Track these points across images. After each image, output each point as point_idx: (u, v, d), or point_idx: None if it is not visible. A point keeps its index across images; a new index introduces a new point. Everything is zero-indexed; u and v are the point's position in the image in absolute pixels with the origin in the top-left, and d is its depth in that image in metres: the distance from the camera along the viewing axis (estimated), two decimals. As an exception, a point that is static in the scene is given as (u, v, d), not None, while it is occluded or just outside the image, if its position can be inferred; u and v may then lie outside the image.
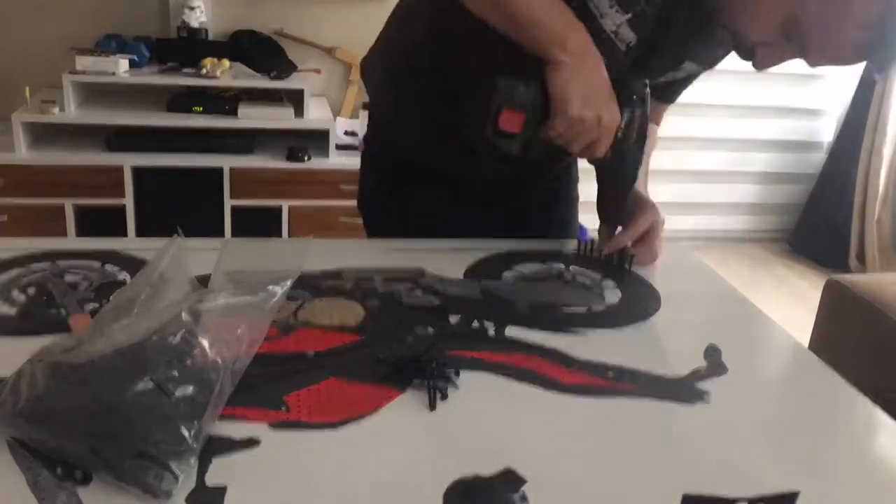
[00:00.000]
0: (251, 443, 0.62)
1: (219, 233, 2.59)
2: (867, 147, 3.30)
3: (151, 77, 2.56)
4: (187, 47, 2.68)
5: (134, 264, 0.90)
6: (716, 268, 1.07)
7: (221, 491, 0.56)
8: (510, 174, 1.13)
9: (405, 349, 0.77)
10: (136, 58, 2.57)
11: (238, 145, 2.61)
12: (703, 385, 0.76)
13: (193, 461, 0.58)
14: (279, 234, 2.64)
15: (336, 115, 2.87)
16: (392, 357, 0.74)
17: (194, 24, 2.69)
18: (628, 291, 0.96)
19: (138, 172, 2.52)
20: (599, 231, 1.05)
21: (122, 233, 2.53)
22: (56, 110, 2.45)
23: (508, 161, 0.93)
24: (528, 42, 0.88)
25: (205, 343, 0.63)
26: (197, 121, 2.59)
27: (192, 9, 2.67)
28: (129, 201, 2.52)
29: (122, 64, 2.51)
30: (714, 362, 0.80)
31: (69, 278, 0.87)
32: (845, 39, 0.80)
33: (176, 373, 0.60)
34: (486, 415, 0.68)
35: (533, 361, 0.77)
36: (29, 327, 0.76)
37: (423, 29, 1.04)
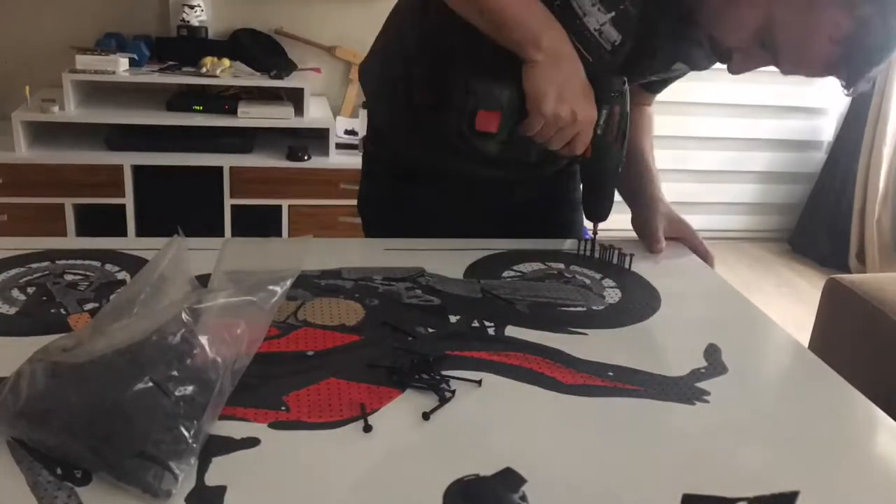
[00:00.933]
0: (251, 443, 0.62)
1: (219, 232, 2.59)
2: (867, 146, 3.30)
3: (151, 76, 2.56)
4: (187, 46, 2.68)
5: (134, 264, 0.90)
6: (716, 268, 1.07)
7: (221, 490, 0.56)
8: (504, 176, 1.13)
9: (402, 350, 0.77)
10: (136, 56, 2.57)
11: (238, 144, 2.61)
12: (703, 385, 0.76)
13: (193, 461, 0.58)
14: (279, 234, 2.64)
15: (336, 114, 2.87)
16: (383, 362, 0.74)
17: (194, 22, 2.69)
18: (628, 291, 0.96)
19: (138, 171, 2.52)
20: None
21: (122, 232, 2.53)
22: (56, 109, 2.45)
23: (491, 161, 0.94)
24: (506, 41, 0.89)
25: (205, 343, 0.63)
26: (197, 119, 2.59)
27: (192, 7, 2.67)
28: (128, 200, 2.52)
29: (122, 63, 2.51)
30: (714, 362, 0.80)
31: (69, 278, 0.87)
32: (816, 52, 0.83)
33: (176, 372, 0.60)
34: (486, 415, 0.68)
35: (533, 361, 0.77)
36: (29, 327, 0.76)
37: (413, 35, 1.05)
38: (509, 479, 0.60)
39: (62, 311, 0.80)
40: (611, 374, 0.76)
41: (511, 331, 0.83)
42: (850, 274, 2.87)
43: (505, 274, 0.98)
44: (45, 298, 0.82)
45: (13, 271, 0.87)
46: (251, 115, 2.61)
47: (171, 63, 2.65)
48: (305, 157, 2.61)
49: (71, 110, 2.49)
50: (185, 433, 0.58)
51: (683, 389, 0.75)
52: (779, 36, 0.83)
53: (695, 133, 3.43)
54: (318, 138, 2.65)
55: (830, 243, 3.47)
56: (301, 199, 2.63)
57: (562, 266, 1.02)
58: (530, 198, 1.20)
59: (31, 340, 0.69)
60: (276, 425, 0.64)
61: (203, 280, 0.82)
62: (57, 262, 0.90)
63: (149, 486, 0.55)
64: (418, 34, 1.04)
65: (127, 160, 2.49)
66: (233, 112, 2.61)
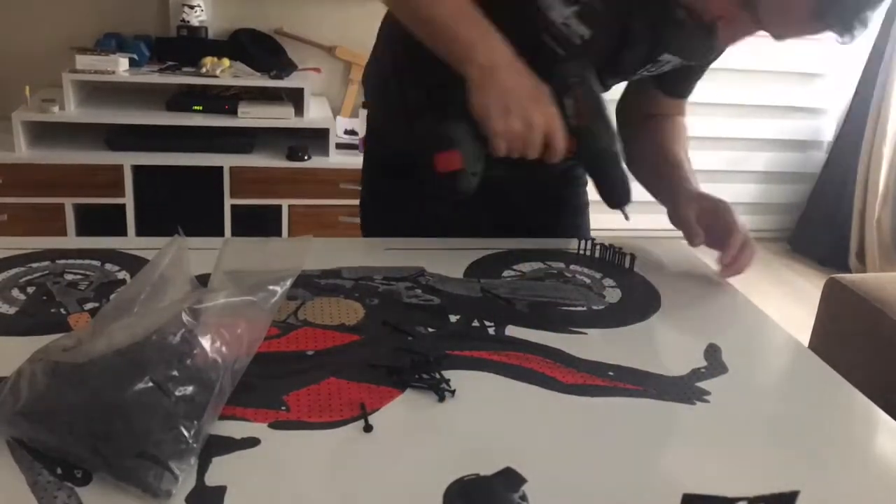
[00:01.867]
0: (251, 443, 0.62)
1: (219, 232, 2.59)
2: (867, 146, 3.30)
3: (151, 76, 2.56)
4: (187, 46, 2.68)
5: (134, 264, 0.90)
6: (716, 267, 1.07)
7: (221, 490, 0.56)
8: (506, 175, 1.13)
9: (402, 350, 0.77)
10: (136, 56, 2.57)
11: (238, 144, 2.61)
12: (703, 385, 0.76)
13: (193, 461, 0.58)
14: (279, 234, 2.64)
15: (336, 114, 2.87)
16: (383, 362, 0.74)
17: (194, 22, 2.69)
18: (628, 291, 0.96)
19: (138, 171, 2.52)
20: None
21: (122, 232, 2.53)
22: (56, 109, 2.45)
23: (464, 195, 0.91)
24: (444, 57, 0.87)
25: (205, 343, 0.63)
26: (197, 120, 2.59)
27: (192, 7, 2.67)
28: (128, 200, 2.52)
29: (122, 63, 2.51)
30: (714, 362, 0.80)
31: (69, 278, 0.87)
32: (798, 6, 0.78)
33: (176, 372, 0.60)
34: (486, 415, 0.68)
35: (533, 361, 0.77)
36: (29, 327, 0.76)
37: (401, 37, 1.04)
38: (509, 479, 0.60)
39: (62, 310, 0.80)
40: (611, 374, 0.76)
41: (511, 331, 0.83)
42: (850, 274, 2.86)
43: (505, 274, 0.98)
44: (45, 298, 0.82)
45: (13, 271, 0.87)
46: (251, 115, 2.61)
47: (171, 63, 2.65)
48: (305, 157, 2.61)
49: (71, 110, 2.49)
50: (185, 433, 0.58)
51: (683, 389, 0.75)
52: None
53: (695, 133, 3.40)
54: (318, 138, 2.65)
55: (830, 243, 3.47)
56: (301, 199, 2.63)
57: (562, 266, 1.02)
58: (532, 203, 1.19)
59: (31, 340, 0.69)
60: (276, 425, 0.64)
61: (203, 280, 0.82)
62: (57, 261, 0.90)
63: (149, 486, 0.55)
64: (405, 37, 1.03)
65: (127, 160, 2.49)
66: (233, 112, 2.61)
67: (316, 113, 2.71)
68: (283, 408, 0.66)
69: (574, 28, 0.91)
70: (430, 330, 0.81)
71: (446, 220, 1.13)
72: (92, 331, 0.65)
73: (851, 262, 3.39)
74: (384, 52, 1.13)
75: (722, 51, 1.02)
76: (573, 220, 1.24)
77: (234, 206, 2.60)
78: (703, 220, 1.02)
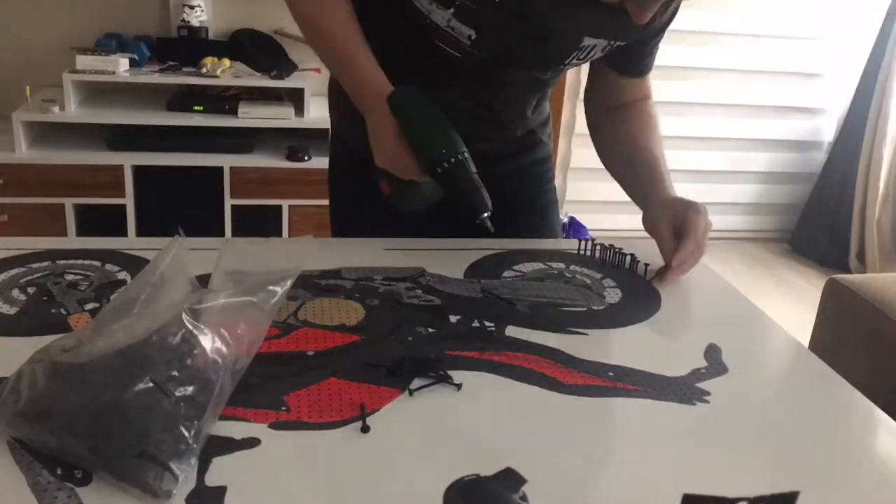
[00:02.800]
0: (251, 443, 0.62)
1: (219, 232, 2.59)
2: (867, 147, 3.30)
3: (151, 76, 2.56)
4: (187, 46, 2.68)
5: (134, 264, 0.90)
6: (716, 268, 1.07)
7: (221, 491, 0.56)
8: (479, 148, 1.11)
9: (402, 350, 0.77)
10: (136, 57, 2.57)
11: (238, 144, 2.61)
12: (703, 385, 0.76)
13: (193, 461, 0.58)
14: (279, 234, 2.64)
15: (336, 115, 2.87)
16: (383, 362, 0.74)
17: (194, 23, 2.69)
18: (628, 291, 0.96)
19: (138, 171, 2.52)
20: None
21: (122, 232, 2.53)
22: (56, 109, 2.45)
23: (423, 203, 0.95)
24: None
25: (205, 343, 0.63)
26: (197, 120, 2.59)
27: (192, 8, 2.67)
28: (129, 200, 2.52)
29: (123, 63, 2.51)
30: (714, 362, 0.80)
31: (69, 278, 0.87)
32: None
33: (176, 373, 0.60)
34: (486, 415, 0.68)
35: (533, 361, 0.77)
36: (29, 327, 0.76)
37: None
38: (509, 479, 0.60)
39: (62, 311, 0.80)
40: (611, 374, 0.76)
41: (511, 331, 0.83)
42: (850, 274, 2.87)
43: (505, 274, 0.98)
44: (45, 298, 0.82)
45: (13, 271, 0.87)
46: (251, 116, 2.61)
47: (171, 63, 2.65)
48: (306, 158, 2.61)
49: (71, 110, 2.49)
50: (186, 433, 0.58)
51: (683, 389, 0.75)
52: None
53: (695, 133, 3.42)
54: (318, 138, 2.65)
55: (830, 243, 3.47)
56: (301, 199, 2.63)
57: (562, 266, 1.02)
58: (511, 184, 1.15)
59: (31, 340, 0.69)
60: (276, 425, 0.64)
61: (203, 280, 0.82)
62: (57, 262, 0.90)
63: (149, 487, 0.55)
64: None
65: (127, 160, 2.49)
66: (233, 112, 2.61)
67: (316, 113, 2.71)
68: (284, 408, 0.66)
69: (459, 29, 0.93)
70: (431, 330, 0.81)
71: (406, 219, 1.11)
72: (92, 331, 0.65)
73: (851, 263, 3.39)
74: None
75: (654, 21, 0.97)
76: (537, 218, 1.21)
77: (234, 207, 2.60)
78: (675, 224, 0.98)
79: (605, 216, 2.98)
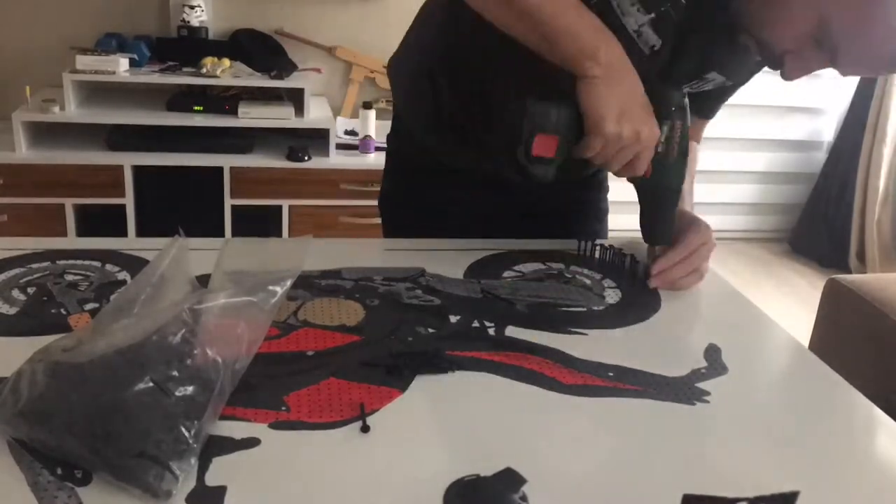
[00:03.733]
0: (251, 443, 0.62)
1: (219, 232, 2.59)
2: (867, 147, 3.30)
3: (151, 76, 2.56)
4: (187, 46, 2.68)
5: (134, 264, 0.90)
6: (716, 268, 1.07)
7: (221, 491, 0.56)
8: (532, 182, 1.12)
9: (402, 349, 0.77)
10: (136, 57, 2.57)
11: (238, 145, 2.61)
12: (703, 385, 0.76)
13: (193, 461, 0.58)
14: (279, 234, 2.64)
15: (336, 115, 2.87)
16: (380, 360, 0.74)
17: (194, 23, 2.69)
18: (628, 291, 0.96)
19: (138, 171, 2.52)
20: (648, 253, 0.99)
21: (122, 232, 2.53)
22: (56, 109, 2.45)
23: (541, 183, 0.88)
24: (556, 55, 0.83)
25: (205, 343, 0.63)
26: (197, 120, 2.59)
27: (192, 8, 2.67)
28: (129, 200, 2.52)
29: (123, 63, 2.51)
30: (714, 362, 0.80)
31: (69, 278, 0.87)
32: (879, 47, 0.76)
33: (176, 373, 0.60)
34: (486, 415, 0.68)
35: (533, 361, 0.77)
36: (29, 327, 0.76)
37: (442, 36, 1.02)
38: (509, 479, 0.60)
39: (62, 311, 0.80)
40: (611, 374, 0.76)
41: (511, 331, 0.83)
42: (850, 274, 2.87)
43: (505, 274, 0.98)
44: (45, 298, 0.82)
45: (13, 271, 0.87)
46: (251, 116, 2.61)
47: (171, 63, 2.65)
48: (306, 158, 2.61)
49: (71, 110, 2.49)
50: (186, 433, 0.58)
51: (683, 389, 0.75)
52: (836, 32, 0.77)
53: (695, 133, 3.42)
54: (318, 138, 2.65)
55: (830, 243, 3.47)
56: (301, 199, 2.63)
57: (562, 266, 1.02)
58: (557, 205, 1.16)
59: (31, 340, 0.69)
60: (276, 425, 0.64)
61: (203, 280, 0.82)
62: (57, 262, 0.90)
63: (149, 487, 0.55)
64: (448, 36, 1.01)
65: (127, 160, 2.49)
66: (233, 112, 2.61)
67: (316, 113, 2.71)
68: (284, 408, 0.66)
69: (646, 37, 0.88)
70: (431, 330, 0.81)
71: (465, 220, 1.11)
72: (92, 331, 0.65)
73: (851, 263, 3.39)
74: (417, 53, 1.10)
75: (756, 71, 0.99)
76: (597, 224, 1.22)
77: (234, 207, 2.60)
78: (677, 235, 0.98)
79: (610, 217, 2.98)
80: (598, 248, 1.06)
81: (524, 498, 0.58)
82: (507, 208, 1.16)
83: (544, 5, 0.82)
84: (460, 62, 1.01)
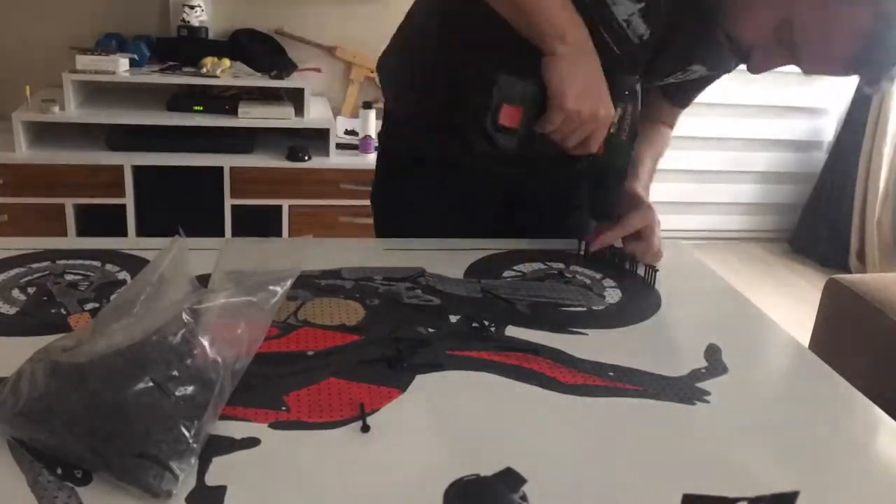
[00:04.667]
0: (251, 443, 0.62)
1: (219, 232, 2.58)
2: (867, 147, 3.30)
3: (151, 76, 2.56)
4: (187, 46, 2.68)
5: (134, 264, 0.90)
6: (716, 268, 1.07)
7: (221, 491, 0.56)
8: (518, 175, 1.13)
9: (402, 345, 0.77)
10: (136, 57, 2.57)
11: (238, 145, 2.61)
12: (703, 385, 0.76)
13: (193, 461, 0.58)
14: (279, 234, 2.64)
15: (336, 115, 2.87)
16: (377, 358, 0.74)
17: (194, 22, 2.69)
18: (628, 291, 0.96)
19: (138, 171, 2.52)
20: (595, 230, 1.04)
21: (122, 232, 2.53)
22: (56, 109, 2.44)
23: (508, 159, 0.92)
24: (529, 31, 0.88)
25: (205, 343, 0.63)
26: (197, 120, 2.59)
27: (192, 8, 2.67)
28: (129, 200, 2.52)
29: (123, 63, 2.50)
30: (714, 362, 0.80)
31: (69, 278, 0.87)
32: (836, 50, 0.81)
33: (176, 373, 0.60)
34: (487, 415, 0.68)
35: (533, 361, 0.77)
36: (29, 327, 0.76)
37: (433, 20, 1.04)
38: (509, 479, 0.60)
39: (62, 311, 0.80)
40: (611, 374, 0.76)
41: (511, 330, 0.83)
42: (851, 274, 2.87)
43: (505, 274, 0.98)
44: (45, 298, 0.82)
45: (13, 271, 0.87)
46: (251, 116, 2.61)
47: (171, 63, 2.65)
48: (306, 158, 2.60)
49: (71, 110, 2.48)
50: (186, 433, 0.58)
51: (683, 389, 0.75)
52: (798, 33, 0.82)
53: (695, 133, 3.42)
54: (318, 138, 2.65)
55: (830, 243, 3.47)
56: (301, 199, 2.63)
57: (562, 266, 1.02)
58: (542, 200, 1.19)
59: (31, 340, 0.69)
60: (276, 425, 0.64)
61: (203, 280, 0.82)
62: (57, 262, 0.90)
63: (149, 486, 0.55)
64: (437, 23, 1.04)
65: (127, 160, 2.49)
66: (233, 112, 2.61)
67: (316, 113, 2.71)
68: (283, 408, 0.66)
69: (635, 26, 0.92)
70: (431, 330, 0.81)
71: (460, 220, 1.12)
72: (92, 331, 0.65)
73: (851, 262, 3.39)
74: (410, 40, 1.12)
75: (736, 65, 1.03)
76: (585, 216, 1.22)
77: (234, 207, 2.60)
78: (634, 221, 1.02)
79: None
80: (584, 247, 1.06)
81: (524, 498, 0.58)
82: (497, 200, 1.18)
83: None
84: (444, 40, 1.03)
